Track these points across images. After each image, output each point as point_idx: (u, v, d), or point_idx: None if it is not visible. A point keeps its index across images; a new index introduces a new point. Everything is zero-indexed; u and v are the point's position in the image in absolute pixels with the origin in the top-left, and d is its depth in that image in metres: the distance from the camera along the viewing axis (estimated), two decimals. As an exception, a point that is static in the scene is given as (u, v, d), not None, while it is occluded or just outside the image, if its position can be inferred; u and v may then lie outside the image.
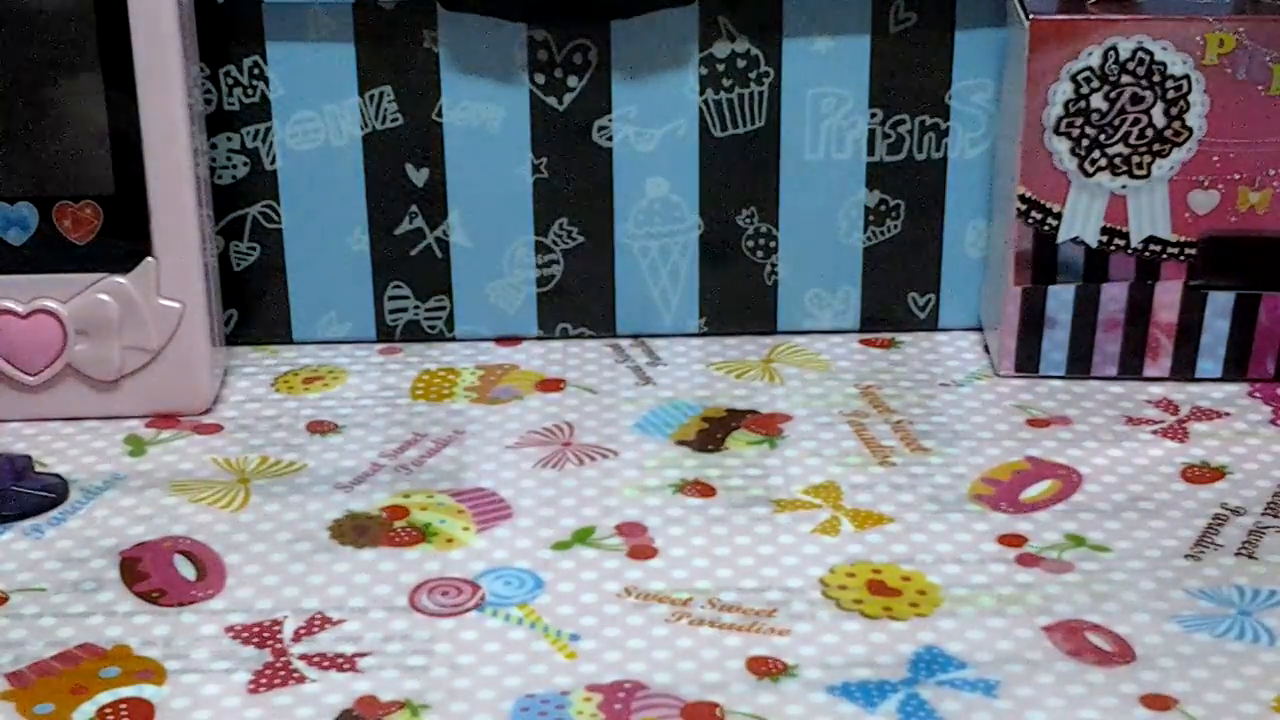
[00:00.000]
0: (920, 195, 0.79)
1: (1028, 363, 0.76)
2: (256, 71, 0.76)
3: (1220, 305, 0.74)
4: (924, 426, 0.73)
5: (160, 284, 0.71)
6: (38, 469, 0.69)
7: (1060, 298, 0.75)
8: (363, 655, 0.58)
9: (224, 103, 0.76)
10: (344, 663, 0.57)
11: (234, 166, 0.77)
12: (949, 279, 0.80)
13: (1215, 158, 0.72)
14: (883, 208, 0.79)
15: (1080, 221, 0.73)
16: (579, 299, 0.80)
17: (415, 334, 0.80)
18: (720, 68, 0.76)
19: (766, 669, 0.57)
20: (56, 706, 0.55)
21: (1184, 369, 0.76)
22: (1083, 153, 0.72)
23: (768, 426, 0.72)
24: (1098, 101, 0.71)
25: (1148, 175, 0.72)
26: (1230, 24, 0.70)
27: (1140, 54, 0.70)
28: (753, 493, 0.67)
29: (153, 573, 0.63)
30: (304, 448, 0.71)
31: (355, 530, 0.65)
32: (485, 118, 0.77)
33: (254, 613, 0.60)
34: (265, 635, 0.59)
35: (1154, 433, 0.72)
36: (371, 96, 0.76)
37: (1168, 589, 0.61)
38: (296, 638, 0.59)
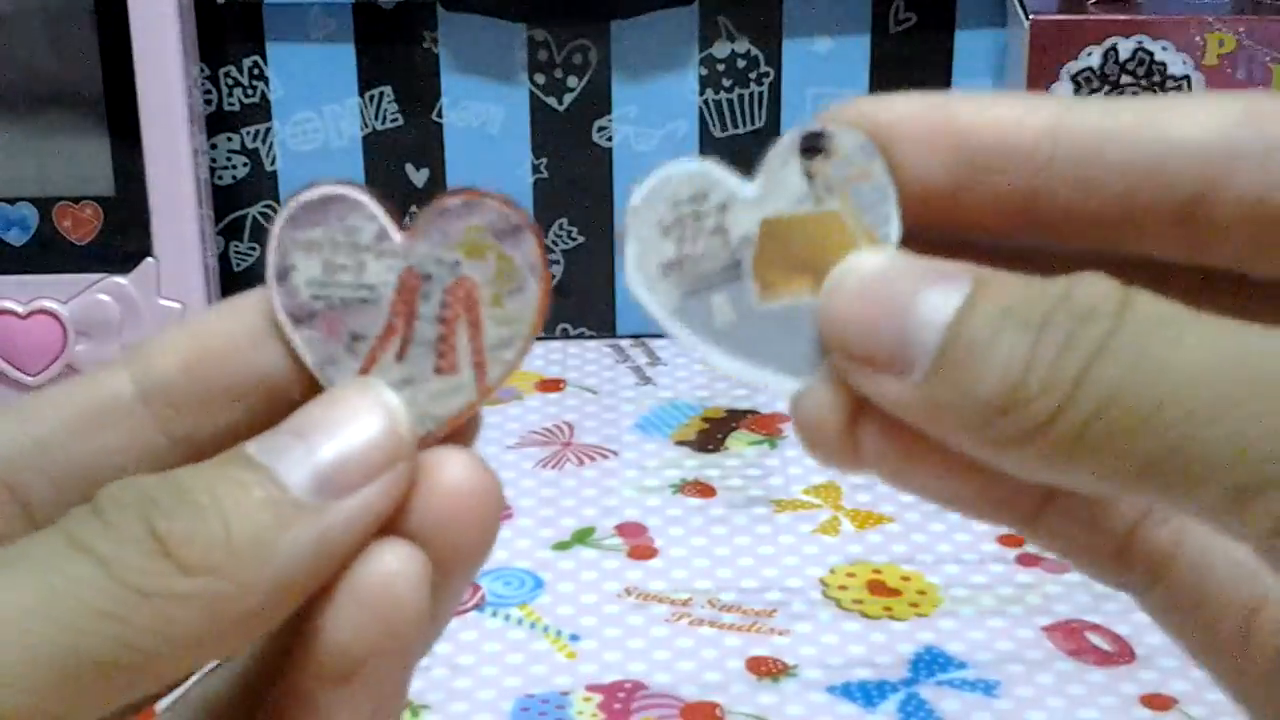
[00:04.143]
0: (920, 195, 0.78)
1: (1028, 363, 0.76)
2: (256, 71, 0.76)
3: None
4: (924, 426, 0.73)
5: (160, 284, 0.71)
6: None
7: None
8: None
9: (224, 103, 0.76)
10: (344, 663, 0.57)
11: (234, 166, 0.77)
12: (949, 279, 0.80)
13: (1215, 158, 0.72)
14: (883, 208, 0.79)
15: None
16: (579, 299, 0.80)
17: (415, 334, 0.80)
18: (720, 68, 0.76)
19: (766, 669, 0.57)
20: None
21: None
22: (1083, 153, 0.72)
23: (768, 426, 0.72)
24: (1098, 101, 0.71)
25: (1148, 175, 0.72)
26: (1230, 24, 0.70)
27: (1140, 54, 0.70)
28: (753, 493, 0.67)
29: (153, 573, 0.63)
30: (304, 448, 0.71)
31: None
32: (485, 118, 0.77)
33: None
34: (265, 635, 0.59)
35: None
36: (371, 97, 0.76)
37: (1168, 589, 0.61)
38: (296, 638, 0.59)
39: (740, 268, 0.26)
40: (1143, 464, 0.23)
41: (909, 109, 0.26)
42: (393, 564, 0.25)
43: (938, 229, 0.26)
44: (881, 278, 0.25)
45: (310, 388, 0.26)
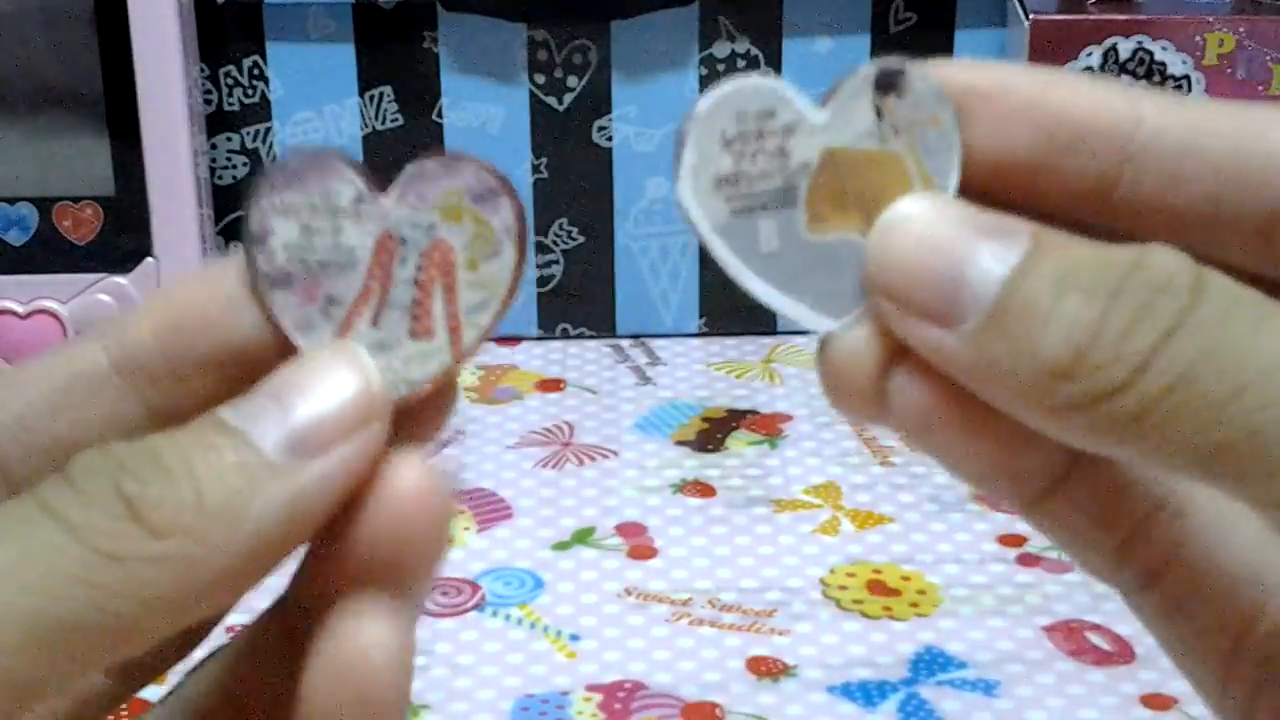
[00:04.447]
0: (920, 195, 0.78)
1: (1028, 363, 0.76)
2: (256, 71, 0.76)
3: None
4: (924, 426, 0.72)
5: (160, 284, 0.71)
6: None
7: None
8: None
9: (224, 103, 0.76)
10: (344, 663, 0.57)
11: (234, 166, 0.77)
12: (949, 279, 0.80)
13: (1215, 158, 0.72)
14: (883, 208, 0.79)
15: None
16: (579, 299, 0.80)
17: (415, 334, 0.80)
18: (720, 68, 0.76)
19: (766, 669, 0.57)
20: (56, 706, 0.55)
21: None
22: (1083, 153, 0.72)
23: (768, 426, 0.72)
24: (1098, 101, 0.71)
25: (1148, 175, 0.72)
26: (1230, 24, 0.70)
27: (1140, 54, 0.70)
28: (753, 493, 0.67)
29: (153, 573, 0.62)
30: (304, 448, 0.71)
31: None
32: (485, 118, 0.77)
33: (255, 612, 0.60)
34: (265, 635, 0.59)
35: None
36: (371, 96, 0.76)
37: (1168, 589, 0.61)
38: (296, 638, 0.59)
39: (794, 194, 0.26)
40: (1211, 446, 0.23)
41: (1005, 77, 0.26)
42: (370, 634, 0.25)
43: (1005, 199, 0.26)
44: (937, 222, 0.25)
45: (286, 354, 0.26)
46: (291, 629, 0.27)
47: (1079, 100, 0.26)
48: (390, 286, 0.26)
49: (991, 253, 0.24)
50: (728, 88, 0.26)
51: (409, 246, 0.26)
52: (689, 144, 0.26)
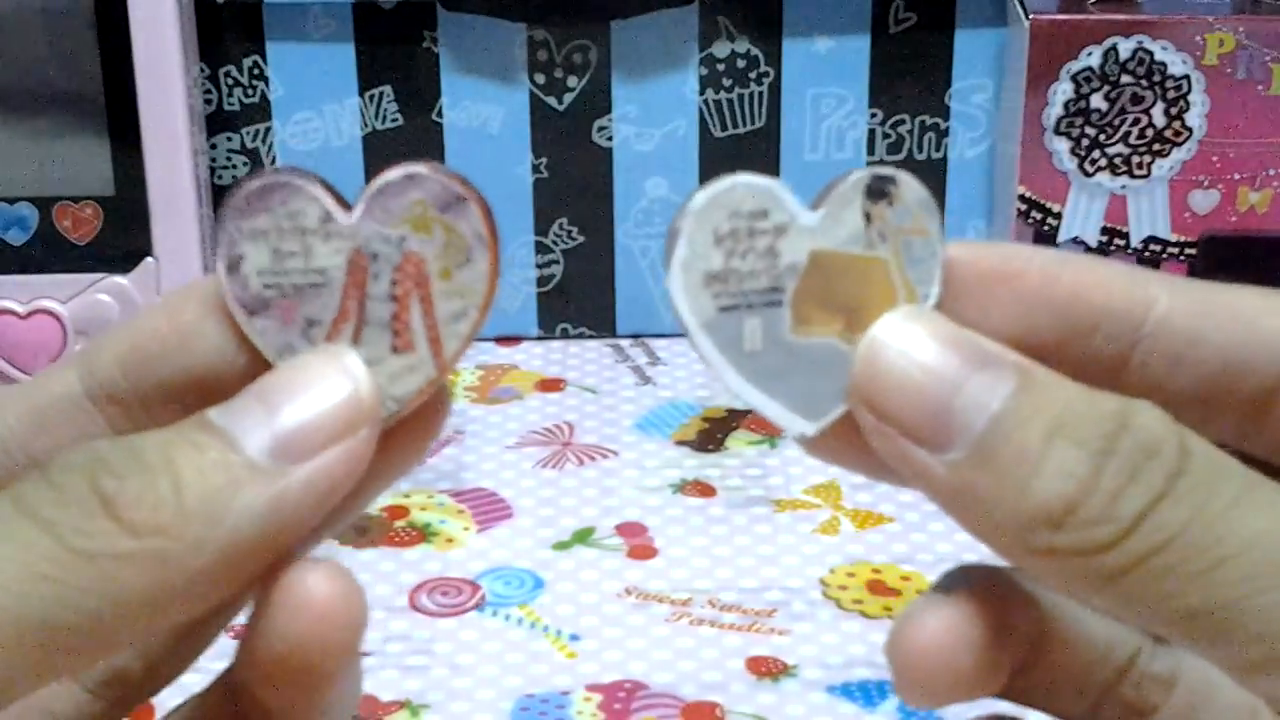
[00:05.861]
0: (920, 195, 0.78)
1: (1028, 363, 0.76)
2: (256, 71, 0.76)
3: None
4: (924, 426, 0.72)
5: (160, 284, 0.71)
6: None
7: (1060, 298, 0.75)
8: (363, 655, 0.58)
9: (224, 103, 0.76)
10: (344, 663, 0.57)
11: (234, 166, 0.77)
12: (949, 279, 0.80)
13: (1215, 158, 0.72)
14: (883, 208, 0.79)
15: (1080, 221, 0.73)
16: (579, 299, 0.80)
17: (415, 334, 0.80)
18: (720, 68, 0.76)
19: (766, 669, 0.57)
20: (56, 706, 0.55)
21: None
22: (1083, 153, 0.72)
23: (768, 426, 0.72)
24: (1098, 101, 0.71)
25: (1148, 175, 0.72)
26: (1230, 24, 0.70)
27: (1140, 54, 0.70)
28: (753, 493, 0.67)
29: (153, 573, 0.62)
30: (304, 448, 0.71)
31: (355, 530, 0.65)
32: (485, 118, 0.77)
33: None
34: (265, 635, 0.59)
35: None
36: (371, 96, 0.76)
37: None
38: (296, 638, 0.59)
39: (781, 295, 0.26)
40: (1189, 610, 0.23)
41: (1021, 260, 0.26)
42: (313, 581, 0.25)
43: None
44: (927, 344, 0.25)
45: (254, 378, 0.26)
46: (234, 701, 0.27)
47: (1094, 285, 0.26)
48: (366, 304, 0.26)
49: (981, 384, 0.24)
50: (723, 184, 0.26)
51: (381, 262, 0.26)
52: (682, 238, 0.26)
